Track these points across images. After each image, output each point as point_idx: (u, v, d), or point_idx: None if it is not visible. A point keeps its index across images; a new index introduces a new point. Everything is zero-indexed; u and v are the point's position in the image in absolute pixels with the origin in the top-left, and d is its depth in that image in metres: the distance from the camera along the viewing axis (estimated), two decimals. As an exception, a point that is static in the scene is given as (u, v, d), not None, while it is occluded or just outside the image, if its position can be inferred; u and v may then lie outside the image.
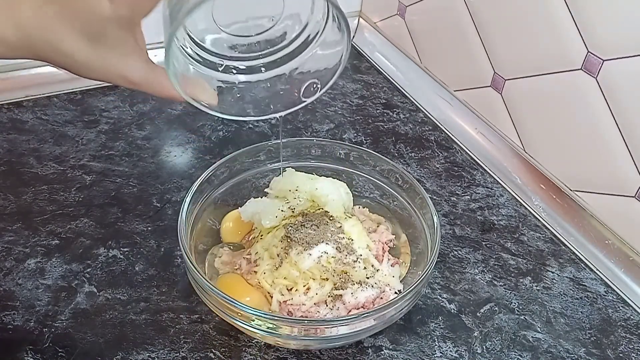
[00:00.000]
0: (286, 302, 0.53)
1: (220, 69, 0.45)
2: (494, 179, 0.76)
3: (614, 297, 0.61)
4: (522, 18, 0.70)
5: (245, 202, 0.60)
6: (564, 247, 0.67)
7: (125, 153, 0.75)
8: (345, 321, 0.48)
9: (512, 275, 0.63)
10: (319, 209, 0.58)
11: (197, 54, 0.44)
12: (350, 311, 0.52)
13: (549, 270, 0.64)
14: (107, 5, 0.37)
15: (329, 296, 0.53)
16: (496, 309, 0.59)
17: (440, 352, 0.55)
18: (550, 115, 0.70)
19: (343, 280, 0.53)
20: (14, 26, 0.37)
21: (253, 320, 0.48)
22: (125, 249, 0.62)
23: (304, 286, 0.53)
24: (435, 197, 0.72)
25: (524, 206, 0.72)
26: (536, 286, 0.62)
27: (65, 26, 0.38)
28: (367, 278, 0.54)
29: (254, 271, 0.55)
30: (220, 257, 0.59)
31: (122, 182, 0.71)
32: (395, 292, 0.55)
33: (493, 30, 0.75)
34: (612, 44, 0.59)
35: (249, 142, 0.76)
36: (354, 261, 0.54)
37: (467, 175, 0.76)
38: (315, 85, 0.46)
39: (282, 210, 0.57)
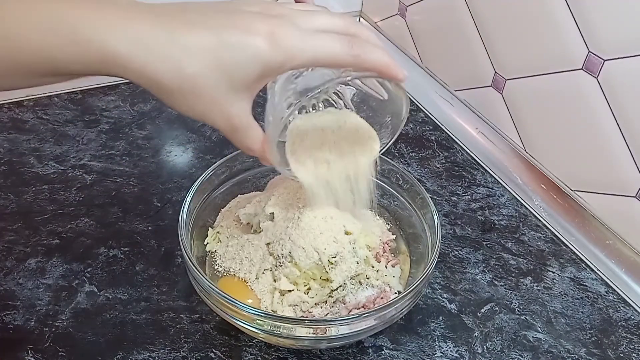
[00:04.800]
0: (287, 302, 0.53)
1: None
2: (495, 178, 0.76)
3: (615, 297, 0.61)
4: (523, 18, 0.70)
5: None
6: (564, 247, 0.67)
7: (126, 153, 0.75)
8: (346, 321, 0.48)
9: (513, 275, 0.63)
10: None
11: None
12: (350, 311, 0.52)
13: (549, 270, 0.64)
14: (264, 46, 0.35)
15: (329, 296, 0.52)
16: (497, 309, 0.59)
17: (441, 352, 0.54)
18: (551, 115, 0.69)
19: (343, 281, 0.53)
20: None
21: (255, 321, 0.48)
22: (126, 249, 0.62)
23: (304, 286, 0.53)
24: (435, 197, 0.72)
25: (524, 206, 0.72)
26: (537, 286, 0.62)
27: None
28: (368, 278, 0.54)
29: (255, 271, 0.55)
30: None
31: (123, 181, 0.71)
32: (396, 292, 0.55)
33: (494, 30, 0.75)
34: (613, 43, 0.59)
35: (250, 141, 0.76)
36: (355, 262, 0.54)
37: (468, 175, 0.76)
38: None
39: None
